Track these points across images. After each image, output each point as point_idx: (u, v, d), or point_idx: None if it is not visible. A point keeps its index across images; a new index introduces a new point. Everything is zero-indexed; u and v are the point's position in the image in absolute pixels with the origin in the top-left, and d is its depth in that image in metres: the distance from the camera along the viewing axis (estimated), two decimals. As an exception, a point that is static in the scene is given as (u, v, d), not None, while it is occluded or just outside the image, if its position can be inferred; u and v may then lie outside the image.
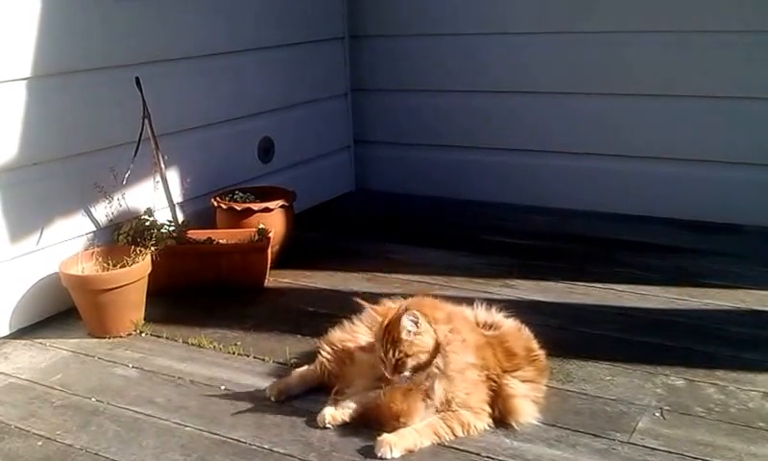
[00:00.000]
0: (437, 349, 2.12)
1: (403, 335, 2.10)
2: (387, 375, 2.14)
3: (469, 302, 2.53)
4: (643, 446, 2.09)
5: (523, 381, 2.21)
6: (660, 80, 3.78)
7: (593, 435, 2.14)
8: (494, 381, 2.18)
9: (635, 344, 2.67)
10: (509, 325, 2.41)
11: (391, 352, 2.11)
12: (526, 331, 2.41)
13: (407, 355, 2.11)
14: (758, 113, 3.64)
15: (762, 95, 3.60)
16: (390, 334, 2.12)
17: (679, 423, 2.19)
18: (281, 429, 2.21)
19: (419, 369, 2.13)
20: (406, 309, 2.12)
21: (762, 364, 2.48)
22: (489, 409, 2.17)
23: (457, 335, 2.15)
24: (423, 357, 2.12)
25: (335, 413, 2.20)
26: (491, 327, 2.38)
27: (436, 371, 2.12)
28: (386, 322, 2.15)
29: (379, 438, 2.06)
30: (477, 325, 2.36)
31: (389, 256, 3.56)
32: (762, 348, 2.60)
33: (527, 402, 2.19)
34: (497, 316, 2.45)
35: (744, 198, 3.72)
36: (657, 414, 2.23)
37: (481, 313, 2.45)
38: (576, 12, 3.90)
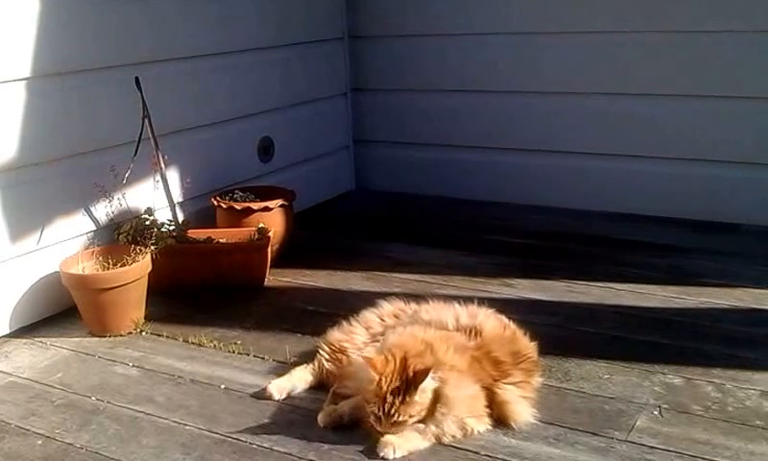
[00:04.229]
0: (436, 399, 2.07)
1: (416, 397, 2.03)
2: (378, 427, 2.06)
3: (448, 301, 2.49)
4: (641, 444, 2.09)
5: (513, 384, 2.20)
6: (659, 79, 3.78)
7: (592, 433, 2.15)
8: (487, 390, 2.16)
9: (633, 342, 2.67)
10: (491, 326, 2.34)
11: (396, 415, 2.03)
12: (510, 330, 2.36)
13: (411, 416, 2.05)
14: (757, 113, 3.64)
15: (761, 95, 3.60)
16: (398, 393, 2.03)
17: (677, 421, 2.19)
18: (281, 428, 2.21)
19: (414, 422, 2.08)
20: (426, 370, 2.02)
21: (760, 362, 2.49)
22: (488, 410, 2.16)
23: (450, 372, 2.09)
24: (423, 414, 2.07)
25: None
26: (473, 331, 2.30)
27: (441, 416, 2.08)
28: (391, 377, 2.05)
29: (383, 439, 2.05)
30: (458, 330, 2.31)
31: (389, 256, 3.57)
32: (760, 346, 2.61)
33: (521, 406, 2.19)
34: (480, 315, 2.38)
35: (742, 197, 3.72)
36: (655, 412, 2.24)
37: (463, 317, 2.37)
38: (575, 11, 3.90)
